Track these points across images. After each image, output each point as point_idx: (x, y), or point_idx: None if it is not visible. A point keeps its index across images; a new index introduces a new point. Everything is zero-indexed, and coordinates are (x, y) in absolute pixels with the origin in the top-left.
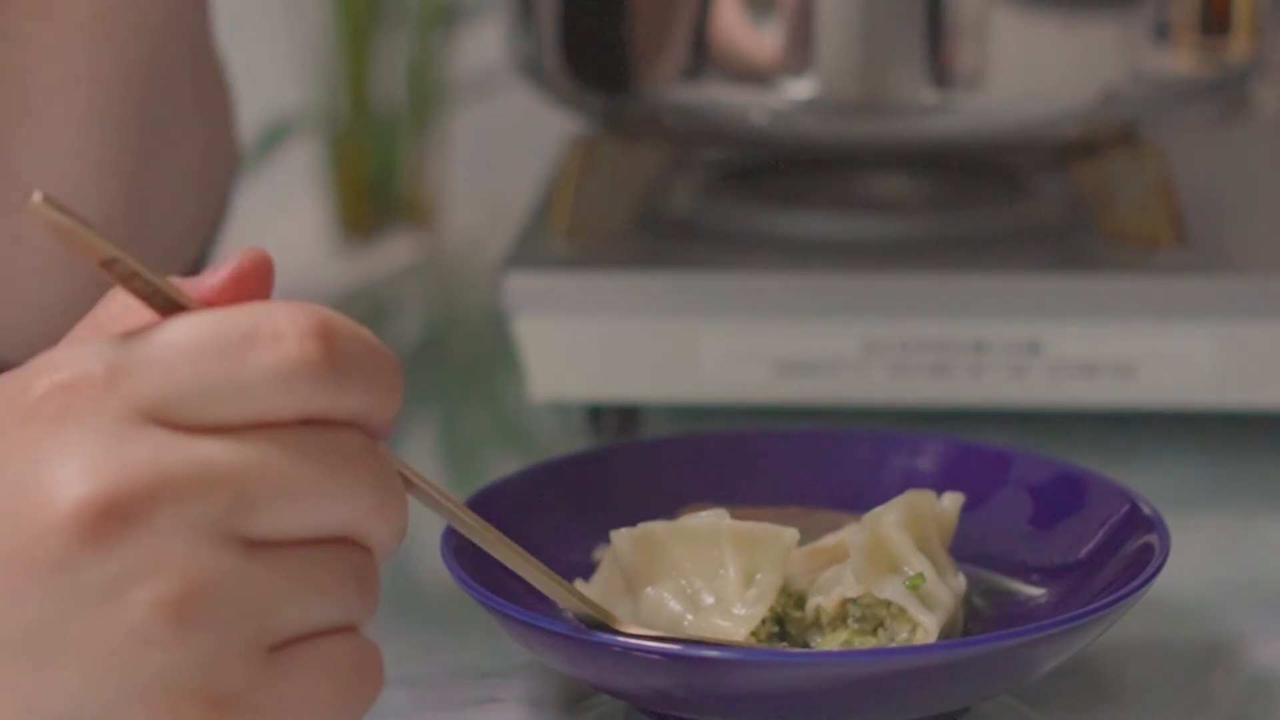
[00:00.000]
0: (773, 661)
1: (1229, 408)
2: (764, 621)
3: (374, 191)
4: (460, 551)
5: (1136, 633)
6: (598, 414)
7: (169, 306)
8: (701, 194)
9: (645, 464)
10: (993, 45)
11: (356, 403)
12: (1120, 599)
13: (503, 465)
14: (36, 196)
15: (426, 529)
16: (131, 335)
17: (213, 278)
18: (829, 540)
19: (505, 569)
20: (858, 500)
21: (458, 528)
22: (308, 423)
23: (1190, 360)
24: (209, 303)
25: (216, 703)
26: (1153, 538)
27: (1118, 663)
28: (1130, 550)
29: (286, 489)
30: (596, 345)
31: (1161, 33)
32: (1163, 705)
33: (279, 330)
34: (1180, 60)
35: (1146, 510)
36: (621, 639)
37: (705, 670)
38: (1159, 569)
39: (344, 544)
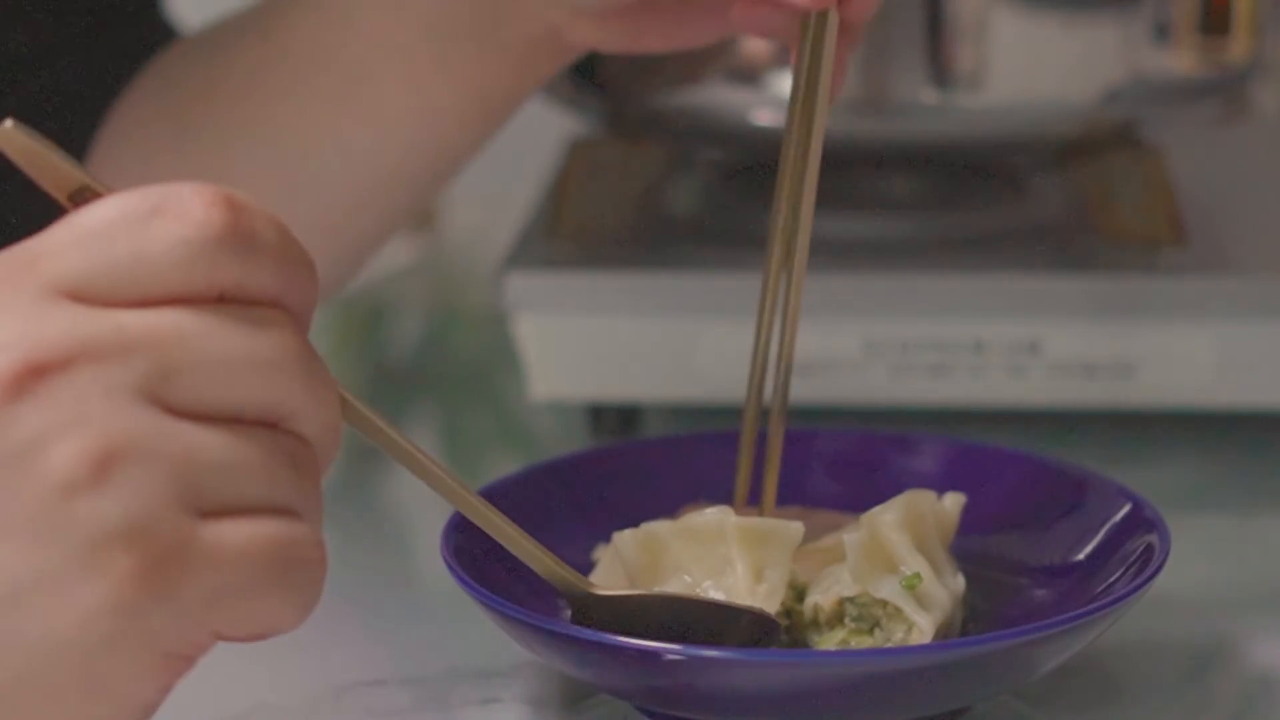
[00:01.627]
0: (773, 661)
1: (1229, 408)
2: (778, 616)
3: None
4: (460, 551)
5: (1136, 633)
6: (598, 414)
7: None
8: (701, 194)
9: (645, 464)
10: (993, 45)
11: (269, 278)
12: (1120, 599)
13: (503, 465)
14: (6, 123)
15: (427, 529)
16: (53, 227)
17: None
18: (828, 540)
19: (505, 569)
20: (858, 500)
21: (397, 458)
22: (226, 300)
23: (1190, 360)
24: None
25: (149, 555)
26: (1153, 538)
27: (1118, 663)
28: (1130, 550)
29: (205, 357)
30: (596, 345)
31: (1161, 33)
32: (1163, 705)
33: (184, 202)
34: (1180, 60)
35: (1146, 510)
36: (621, 639)
37: (705, 670)
38: (1159, 569)
39: (276, 429)
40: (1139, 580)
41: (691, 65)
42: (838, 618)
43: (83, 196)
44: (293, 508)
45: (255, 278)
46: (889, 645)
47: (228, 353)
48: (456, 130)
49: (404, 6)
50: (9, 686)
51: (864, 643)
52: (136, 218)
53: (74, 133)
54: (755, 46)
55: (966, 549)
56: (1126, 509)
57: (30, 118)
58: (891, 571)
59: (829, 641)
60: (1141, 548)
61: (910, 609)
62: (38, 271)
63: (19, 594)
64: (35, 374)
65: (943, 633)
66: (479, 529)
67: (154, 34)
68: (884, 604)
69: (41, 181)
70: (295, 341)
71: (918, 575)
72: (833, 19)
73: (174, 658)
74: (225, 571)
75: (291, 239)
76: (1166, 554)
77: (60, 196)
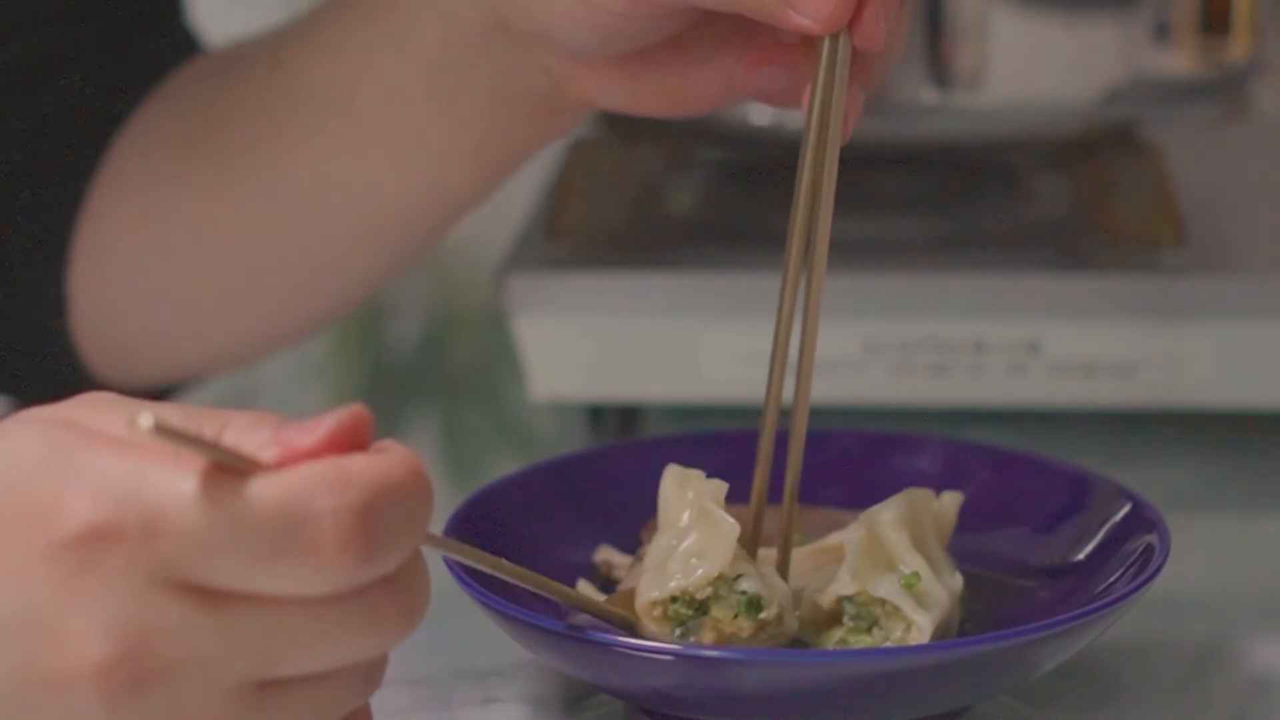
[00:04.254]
0: (774, 662)
1: (1229, 408)
2: (674, 599)
3: None
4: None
5: (1136, 633)
6: (598, 414)
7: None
8: (701, 194)
9: (645, 464)
10: (993, 45)
11: (395, 563)
12: (1120, 599)
13: (503, 465)
14: (144, 419)
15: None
16: (171, 488)
17: (305, 436)
18: (833, 539)
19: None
20: (858, 500)
21: (485, 569)
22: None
23: (1190, 360)
24: (300, 459)
25: None
26: (1153, 538)
27: (1118, 663)
28: (1130, 550)
29: (313, 648)
30: (596, 345)
31: (1161, 33)
32: (1163, 705)
33: (321, 533)
34: (1180, 60)
35: (1146, 510)
36: (622, 639)
37: (705, 670)
38: (1159, 569)
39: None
40: (1139, 580)
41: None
42: (836, 616)
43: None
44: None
45: (378, 575)
46: (887, 644)
47: (337, 642)
48: (461, 179)
49: (416, 57)
50: None
51: (862, 641)
52: (268, 532)
53: (86, 146)
54: None
55: (966, 548)
56: (1126, 509)
57: (44, 127)
58: (890, 570)
59: (827, 640)
60: (1141, 548)
61: (909, 608)
62: (152, 550)
63: None
64: (139, 678)
65: (941, 632)
66: (479, 529)
67: (175, 44)
68: (882, 603)
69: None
70: (402, 598)
71: (916, 574)
72: (844, 45)
73: None
74: None
75: (419, 504)
76: (1166, 554)
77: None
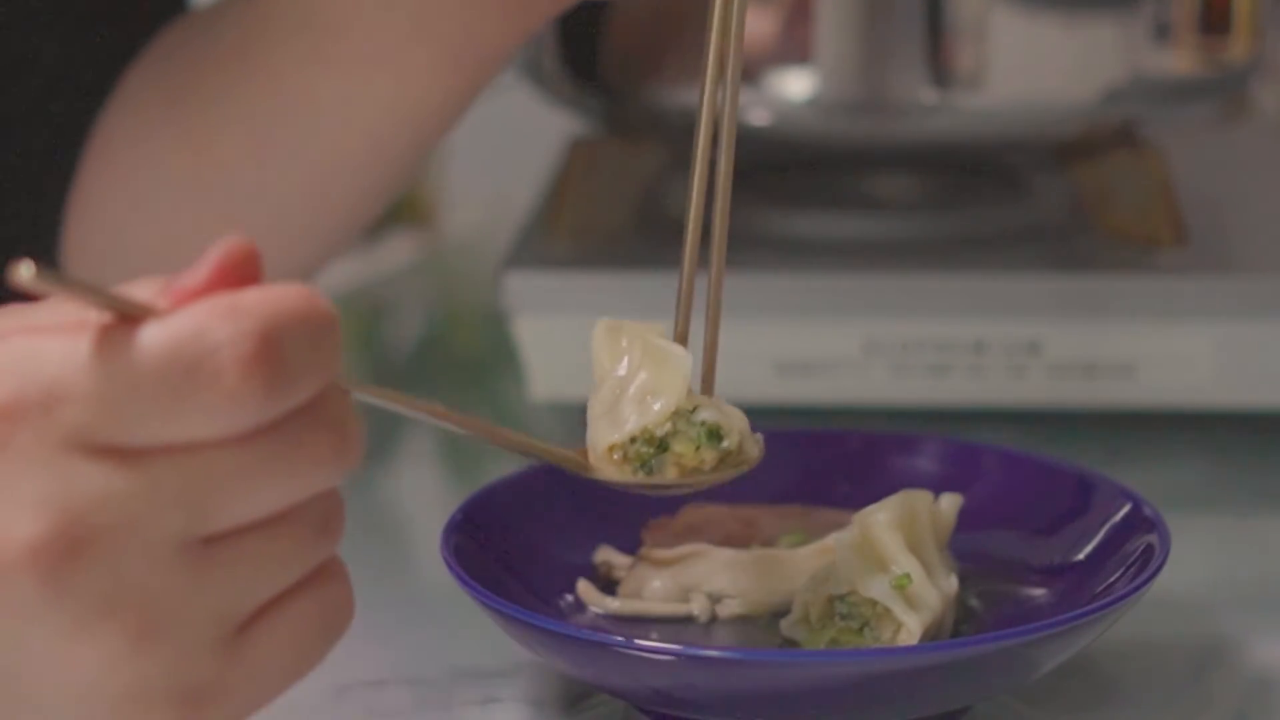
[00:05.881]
0: (773, 662)
1: (1229, 408)
2: (633, 440)
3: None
4: (460, 551)
5: (1136, 633)
6: None
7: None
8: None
9: None
10: (993, 45)
11: (308, 390)
12: (1120, 599)
13: (503, 465)
14: (22, 268)
15: (427, 529)
16: (66, 354)
17: (193, 276)
18: (831, 539)
19: (505, 569)
20: (858, 500)
21: (420, 418)
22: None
23: (1190, 360)
24: (191, 299)
25: (189, 701)
26: (1153, 538)
27: (1118, 663)
28: (1130, 550)
29: (242, 492)
30: None
31: (1161, 33)
32: (1163, 705)
33: (220, 365)
34: (1180, 60)
35: (1146, 510)
36: (621, 639)
37: (705, 670)
38: (1159, 569)
39: (302, 503)
40: (1139, 580)
41: (689, 62)
42: (828, 616)
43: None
44: (323, 562)
45: (294, 402)
46: (877, 645)
47: (265, 480)
48: (432, 92)
49: None
50: None
51: (853, 642)
52: (171, 377)
53: (75, 114)
54: (755, 46)
55: (966, 549)
56: (1126, 509)
57: (35, 95)
58: (883, 571)
59: (819, 640)
60: (1141, 548)
61: (899, 609)
62: (57, 419)
63: None
64: (73, 554)
65: (932, 634)
66: (479, 529)
67: (161, 5)
68: (873, 603)
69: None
70: (329, 427)
71: (907, 576)
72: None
73: None
74: (262, 678)
75: (324, 334)
76: (1166, 554)
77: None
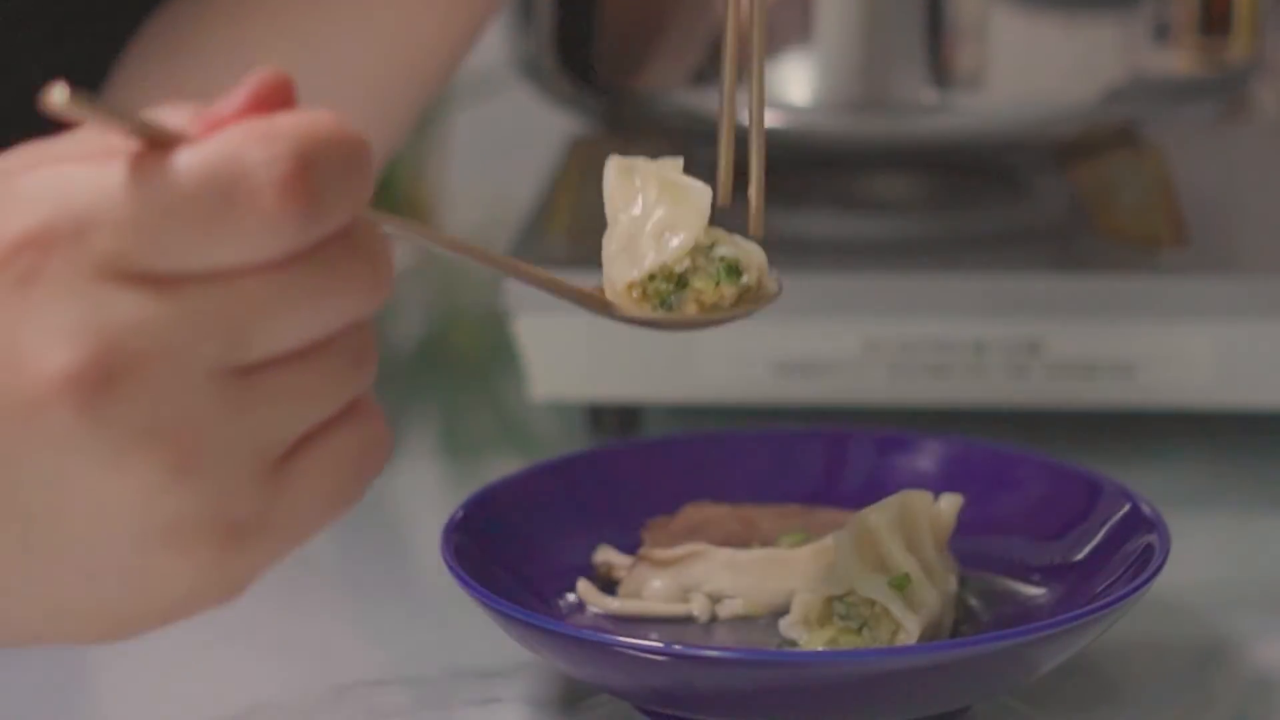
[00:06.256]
0: (773, 662)
1: (1229, 408)
2: (651, 277)
3: (374, 191)
4: (460, 551)
5: (1136, 633)
6: (598, 414)
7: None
8: None
9: (645, 464)
10: (993, 45)
11: (343, 216)
12: (1120, 599)
13: (503, 465)
14: (56, 91)
15: (427, 529)
16: (97, 181)
17: (226, 104)
18: (832, 539)
19: (505, 569)
20: (858, 500)
21: (444, 250)
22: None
23: (1191, 360)
24: (224, 126)
25: (229, 533)
26: (1153, 538)
27: (1118, 663)
28: (1130, 550)
29: (279, 319)
30: (596, 345)
31: (1161, 33)
32: (1163, 705)
33: (255, 187)
34: (1180, 60)
35: (1146, 510)
36: (621, 639)
37: (705, 670)
38: (1159, 569)
39: (337, 333)
40: (1139, 580)
41: (689, 62)
42: (827, 616)
43: (142, 135)
44: (359, 398)
45: (330, 228)
46: (875, 645)
47: (300, 307)
48: (428, 27)
49: None
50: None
51: (852, 642)
52: (202, 200)
53: (101, 47)
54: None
55: (966, 549)
56: (1126, 509)
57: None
58: (881, 571)
59: (818, 640)
60: (1141, 548)
61: (897, 609)
62: (90, 246)
63: (105, 567)
64: (109, 382)
65: (930, 634)
66: (479, 528)
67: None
68: (871, 603)
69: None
70: (361, 255)
71: (906, 576)
72: None
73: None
74: (302, 512)
75: (357, 156)
76: (1166, 554)
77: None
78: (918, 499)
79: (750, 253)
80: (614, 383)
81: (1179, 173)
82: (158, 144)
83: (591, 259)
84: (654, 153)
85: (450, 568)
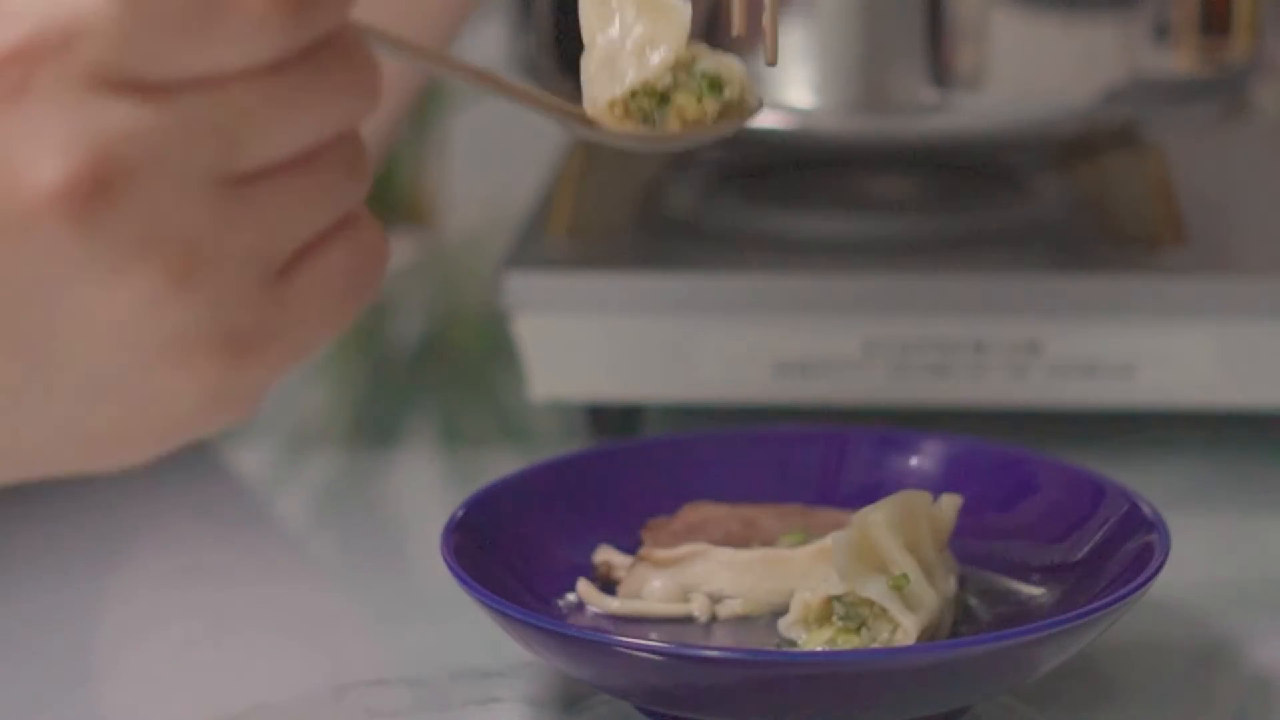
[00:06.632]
0: (773, 662)
1: (1229, 408)
2: (633, 95)
3: (374, 191)
4: (460, 551)
5: (1136, 633)
6: (598, 414)
7: None
8: (701, 194)
9: (645, 464)
10: (993, 45)
11: (331, 19)
12: (1120, 599)
13: (503, 465)
14: None
15: (427, 529)
16: None
17: None
18: (831, 539)
19: (505, 569)
20: (858, 500)
21: (433, 68)
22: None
23: (1191, 360)
24: None
25: (231, 345)
26: (1153, 538)
27: (1118, 663)
28: (1130, 550)
29: (272, 124)
30: (596, 345)
31: (1161, 33)
32: (1163, 705)
33: None
34: (1180, 60)
35: (1146, 510)
36: (621, 639)
37: (705, 670)
38: (1159, 569)
39: (329, 144)
40: (1139, 580)
41: None
42: (825, 616)
43: None
44: (353, 207)
45: (317, 31)
46: (874, 645)
47: (291, 111)
48: None
49: None
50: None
51: (851, 642)
52: (191, 4)
53: None
54: (754, 46)
55: (965, 549)
56: (1126, 509)
57: None
58: (880, 571)
59: (816, 640)
60: (1141, 548)
61: (896, 609)
62: (78, 54)
63: (108, 384)
64: (103, 191)
65: (929, 634)
66: (479, 528)
67: None
68: (871, 604)
69: None
70: (349, 62)
71: (905, 576)
72: None
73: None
74: (303, 324)
75: None
76: (1166, 554)
77: None
78: (917, 499)
79: (732, 67)
80: (614, 383)
81: (1179, 173)
82: None
83: (591, 259)
84: (655, 152)
85: (450, 568)
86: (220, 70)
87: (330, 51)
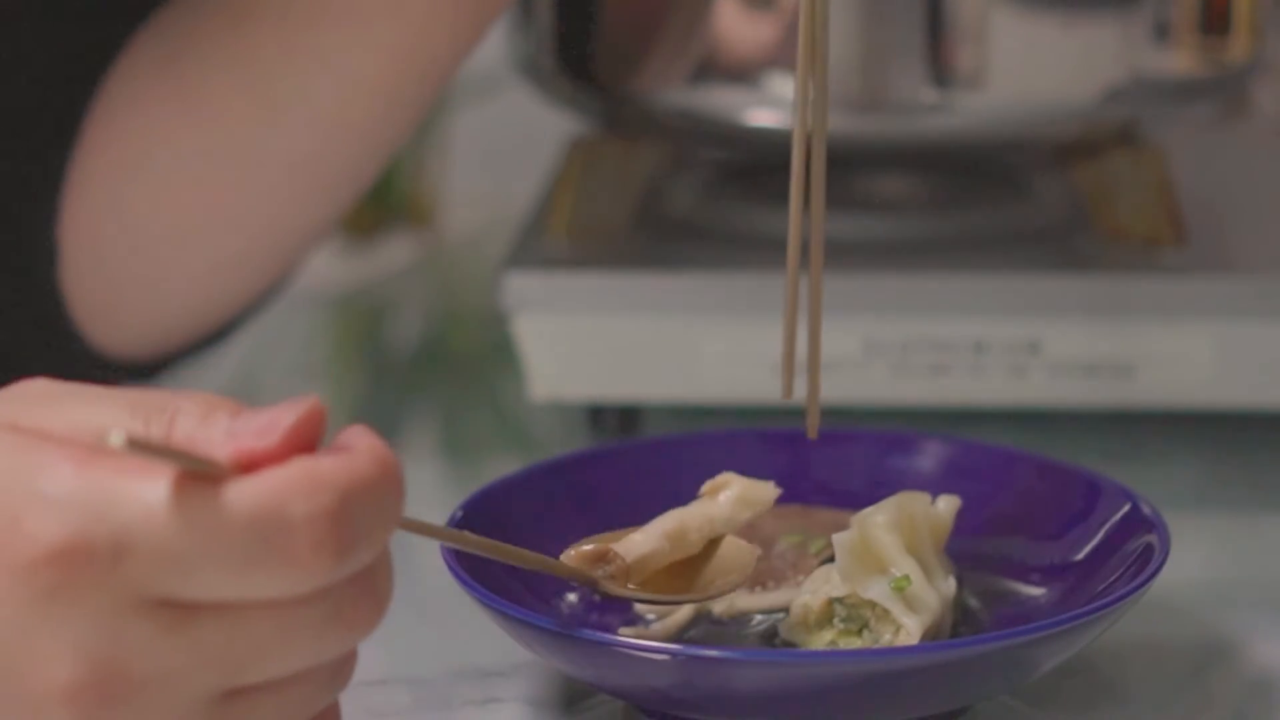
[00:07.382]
0: (774, 662)
1: (1229, 408)
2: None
3: (374, 191)
4: (460, 551)
5: (1136, 633)
6: (598, 414)
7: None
8: (701, 194)
9: (645, 464)
10: (993, 45)
11: (368, 559)
12: (1120, 599)
13: (503, 465)
14: (115, 435)
15: None
16: (139, 503)
17: (268, 437)
18: (833, 540)
19: (505, 569)
20: (858, 500)
21: (461, 548)
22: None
23: (1190, 360)
24: (260, 465)
25: None
26: (1153, 538)
27: (1118, 663)
28: (1130, 550)
29: (279, 655)
30: (596, 345)
31: (1161, 33)
32: (1163, 705)
33: (293, 537)
34: (1180, 60)
35: (1146, 510)
36: (621, 639)
37: (705, 670)
38: (1159, 569)
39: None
40: (1139, 580)
41: (689, 62)
42: (827, 618)
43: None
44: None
45: (353, 571)
46: (876, 646)
47: (304, 647)
48: (436, 34)
49: None
50: None
51: (852, 643)
52: (243, 543)
53: (76, 87)
54: (754, 46)
55: (965, 549)
56: (1126, 509)
57: (32, 71)
58: (881, 573)
59: (818, 642)
60: (1141, 548)
61: (898, 611)
62: (124, 570)
63: None
64: (108, 700)
65: (931, 635)
66: (479, 530)
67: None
68: (872, 605)
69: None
70: (370, 597)
71: (906, 577)
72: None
73: None
74: None
75: (390, 498)
76: (1166, 554)
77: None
78: (916, 500)
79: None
80: (614, 383)
81: (1179, 173)
82: (200, 474)
83: (592, 259)
84: (654, 152)
85: (450, 568)
86: (249, 599)
87: (354, 587)
